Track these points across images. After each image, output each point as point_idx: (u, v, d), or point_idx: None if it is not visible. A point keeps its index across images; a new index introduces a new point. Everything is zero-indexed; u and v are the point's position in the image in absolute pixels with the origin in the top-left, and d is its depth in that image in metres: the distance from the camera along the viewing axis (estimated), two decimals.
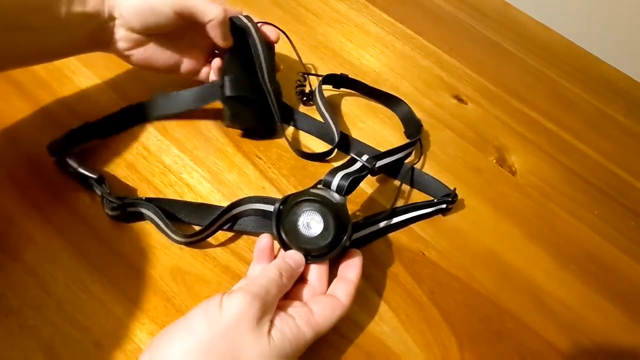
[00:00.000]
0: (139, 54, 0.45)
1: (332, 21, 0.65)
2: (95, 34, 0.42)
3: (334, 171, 0.40)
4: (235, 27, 0.47)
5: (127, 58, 0.45)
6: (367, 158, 0.43)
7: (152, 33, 0.44)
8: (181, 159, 0.48)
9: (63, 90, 0.50)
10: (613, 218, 0.54)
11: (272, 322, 0.32)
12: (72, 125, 0.47)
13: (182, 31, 0.45)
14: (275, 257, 0.39)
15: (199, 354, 0.29)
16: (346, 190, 0.39)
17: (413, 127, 0.55)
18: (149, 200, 0.42)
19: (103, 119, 0.47)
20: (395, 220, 0.47)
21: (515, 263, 0.48)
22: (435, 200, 0.49)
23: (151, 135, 0.49)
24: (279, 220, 0.38)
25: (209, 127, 0.51)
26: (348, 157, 0.43)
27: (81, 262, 0.40)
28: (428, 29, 0.68)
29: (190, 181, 0.47)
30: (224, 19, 0.43)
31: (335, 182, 0.39)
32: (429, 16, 0.71)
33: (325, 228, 0.36)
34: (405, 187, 0.51)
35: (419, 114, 0.58)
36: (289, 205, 0.37)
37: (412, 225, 0.48)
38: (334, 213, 0.37)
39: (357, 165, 0.42)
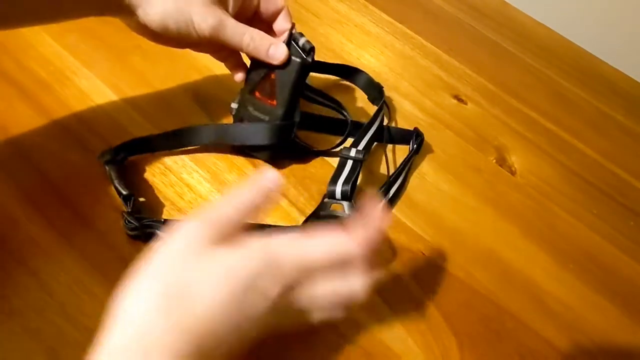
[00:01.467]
0: (152, 38, 0.43)
1: (332, 21, 0.66)
2: (111, 7, 0.39)
3: (333, 180, 0.43)
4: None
5: (142, 35, 0.43)
6: (356, 150, 0.44)
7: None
8: (181, 159, 0.48)
9: (64, 92, 0.50)
10: (612, 218, 0.54)
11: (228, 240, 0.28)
12: (72, 126, 0.48)
13: None
14: None
15: (145, 281, 0.27)
16: (350, 191, 0.41)
17: (375, 91, 0.55)
18: (167, 221, 0.42)
19: (163, 135, 0.47)
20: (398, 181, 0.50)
21: (515, 263, 0.48)
22: (414, 147, 0.52)
23: None
24: None
25: None
26: (338, 159, 0.45)
27: (84, 264, 0.40)
28: (427, 28, 0.69)
29: (191, 181, 0.47)
30: (256, 47, 0.41)
31: (339, 190, 0.42)
32: (428, 16, 0.71)
33: None
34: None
35: (419, 114, 0.58)
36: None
37: (412, 225, 0.49)
38: None
39: (350, 163, 0.44)
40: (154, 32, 0.41)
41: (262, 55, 0.42)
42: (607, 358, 0.44)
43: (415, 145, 0.53)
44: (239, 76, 0.47)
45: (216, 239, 0.27)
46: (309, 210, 0.46)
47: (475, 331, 0.44)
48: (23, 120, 0.47)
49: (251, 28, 0.42)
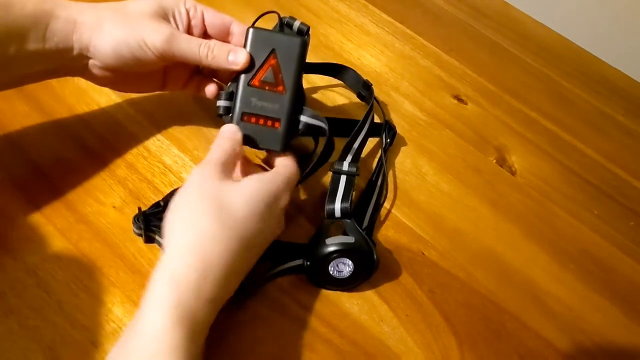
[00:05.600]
0: (115, 85, 0.44)
1: (332, 21, 0.65)
2: (60, 67, 0.40)
3: (331, 199, 0.43)
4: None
5: (103, 85, 0.44)
6: (349, 165, 0.44)
7: (133, 71, 0.42)
8: (181, 159, 0.48)
9: (64, 91, 0.50)
10: (612, 218, 0.54)
11: (242, 175, 0.39)
12: (71, 126, 0.47)
13: None
14: None
15: (185, 208, 0.35)
16: (349, 207, 0.42)
17: (363, 89, 0.55)
18: None
19: None
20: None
21: (515, 263, 0.48)
22: (387, 141, 0.52)
23: (151, 135, 0.49)
24: (311, 273, 0.42)
25: (209, 127, 0.51)
26: (331, 175, 0.45)
27: (82, 262, 0.40)
28: (428, 28, 0.68)
29: None
30: (214, 56, 0.41)
31: (338, 208, 0.42)
32: (428, 16, 0.71)
33: (354, 268, 0.41)
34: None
35: (419, 114, 0.58)
36: (316, 260, 0.41)
37: (412, 225, 0.49)
38: (356, 252, 0.40)
39: (344, 178, 0.44)
40: (113, 70, 0.41)
41: (222, 63, 0.41)
42: (607, 358, 0.44)
43: (388, 139, 0.52)
44: (211, 90, 0.45)
45: (221, 172, 0.36)
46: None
47: (475, 331, 0.43)
48: (21, 117, 0.47)
49: (205, 39, 0.41)
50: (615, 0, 0.67)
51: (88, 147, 0.47)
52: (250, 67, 0.41)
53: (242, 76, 0.41)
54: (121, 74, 0.42)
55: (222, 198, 0.34)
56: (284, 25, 0.44)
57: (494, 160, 0.56)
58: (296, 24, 0.43)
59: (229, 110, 0.42)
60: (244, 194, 0.35)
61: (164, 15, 0.40)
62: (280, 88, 0.41)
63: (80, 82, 0.50)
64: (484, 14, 0.74)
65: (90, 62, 0.40)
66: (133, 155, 0.47)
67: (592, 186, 0.57)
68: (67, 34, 0.38)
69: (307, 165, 0.45)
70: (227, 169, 0.37)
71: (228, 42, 0.43)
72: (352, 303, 0.43)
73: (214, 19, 0.43)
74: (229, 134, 0.40)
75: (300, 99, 0.43)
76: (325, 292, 0.43)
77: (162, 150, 0.48)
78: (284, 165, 0.40)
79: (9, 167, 0.44)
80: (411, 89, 0.61)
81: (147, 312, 0.30)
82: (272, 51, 0.41)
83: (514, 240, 0.50)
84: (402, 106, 0.59)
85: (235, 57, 0.40)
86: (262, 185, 0.37)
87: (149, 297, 0.31)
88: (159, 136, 0.49)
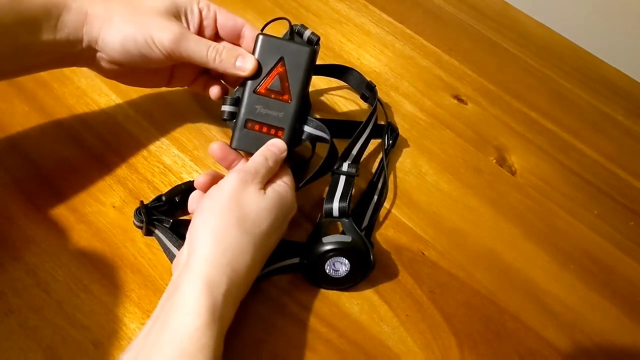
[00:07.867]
0: (122, 78, 0.44)
1: (332, 21, 0.65)
2: (69, 57, 0.40)
3: (329, 198, 0.43)
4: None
5: (109, 78, 0.44)
6: (349, 166, 0.45)
7: (139, 67, 0.42)
8: (181, 159, 0.48)
9: (64, 91, 0.50)
10: (612, 218, 0.54)
11: (265, 187, 0.39)
12: (71, 126, 0.48)
13: None
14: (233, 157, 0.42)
15: (219, 215, 0.35)
16: (347, 207, 0.42)
17: (367, 90, 0.55)
18: (177, 223, 0.42)
19: None
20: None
21: (515, 263, 0.48)
22: (390, 143, 0.52)
23: (151, 135, 0.49)
24: (307, 271, 0.42)
25: (209, 127, 0.51)
26: (330, 176, 0.45)
27: (82, 261, 0.40)
28: (427, 28, 0.68)
29: None
30: (222, 60, 0.40)
31: (336, 208, 0.42)
32: (428, 16, 0.71)
33: (351, 267, 0.41)
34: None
35: (419, 114, 0.58)
36: (312, 258, 0.41)
37: (412, 225, 0.49)
38: (352, 251, 0.40)
39: (343, 178, 0.44)
40: (120, 64, 0.40)
41: (229, 68, 0.40)
42: (607, 358, 0.44)
43: (390, 141, 0.52)
44: (215, 92, 0.44)
45: (257, 183, 0.38)
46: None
47: (475, 331, 0.43)
48: (21, 118, 0.47)
49: (214, 42, 0.41)
50: (616, 0, 0.67)
51: (88, 147, 0.47)
52: (257, 73, 0.41)
53: (249, 82, 0.41)
54: (128, 68, 0.41)
55: (251, 209, 0.36)
56: (294, 33, 0.43)
57: (494, 160, 0.56)
58: (307, 33, 0.43)
59: (233, 115, 0.42)
60: (268, 206, 0.37)
61: (176, 14, 0.40)
62: (286, 97, 0.41)
63: (80, 82, 0.51)
64: (484, 14, 0.74)
65: (98, 54, 0.40)
66: (133, 155, 0.47)
67: (592, 186, 0.57)
68: (78, 26, 0.38)
69: (303, 173, 0.45)
70: (262, 181, 0.38)
71: (239, 44, 0.43)
72: (352, 303, 0.43)
73: (226, 20, 0.42)
74: (277, 150, 0.40)
75: (305, 109, 0.43)
76: (325, 292, 0.43)
77: (162, 151, 0.48)
78: (290, 174, 0.41)
79: (9, 167, 0.44)
80: (411, 89, 0.61)
81: (177, 312, 0.31)
82: (281, 59, 0.41)
83: (514, 240, 0.50)
84: (402, 106, 0.59)
85: (243, 63, 0.40)
86: (282, 197, 0.39)
87: (178, 297, 0.32)
88: (159, 136, 0.49)
